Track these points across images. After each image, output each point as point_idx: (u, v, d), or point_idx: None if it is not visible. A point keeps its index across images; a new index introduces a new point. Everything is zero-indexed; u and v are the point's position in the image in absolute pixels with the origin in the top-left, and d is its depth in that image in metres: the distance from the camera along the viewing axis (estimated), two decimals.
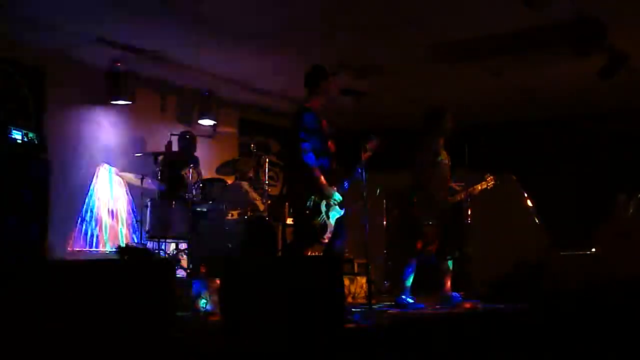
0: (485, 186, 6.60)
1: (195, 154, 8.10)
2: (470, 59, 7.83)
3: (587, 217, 8.18)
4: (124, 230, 8.03)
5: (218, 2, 6.37)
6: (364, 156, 5.56)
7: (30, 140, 4.25)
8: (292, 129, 5.45)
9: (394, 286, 8.21)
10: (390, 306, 6.32)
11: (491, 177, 6.62)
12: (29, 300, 3.05)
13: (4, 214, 3.84)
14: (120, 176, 7.79)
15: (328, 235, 5.41)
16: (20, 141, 4.08)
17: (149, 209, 7.18)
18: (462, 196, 6.58)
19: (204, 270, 6.85)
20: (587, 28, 6.54)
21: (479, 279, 7.44)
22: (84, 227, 7.66)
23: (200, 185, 7.33)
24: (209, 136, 8.26)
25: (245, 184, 7.75)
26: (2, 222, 3.98)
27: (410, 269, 6.41)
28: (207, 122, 8.92)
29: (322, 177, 5.31)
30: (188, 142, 8.13)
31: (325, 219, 5.38)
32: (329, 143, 5.53)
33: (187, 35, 7.19)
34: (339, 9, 6.50)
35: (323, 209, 5.36)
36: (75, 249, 7.48)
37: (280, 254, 7.79)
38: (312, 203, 5.33)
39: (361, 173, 5.50)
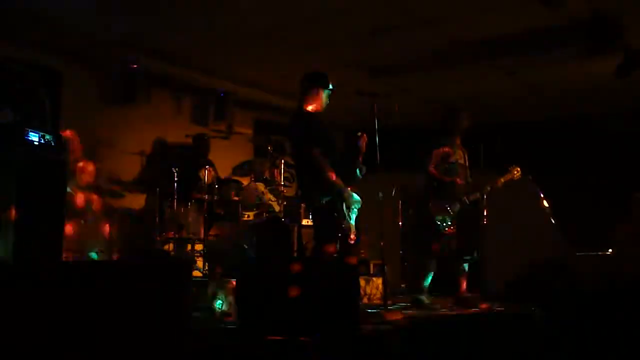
0: (510, 178, 6.47)
1: (211, 155, 8.11)
2: (486, 58, 7.80)
3: (603, 217, 8.10)
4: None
5: (232, 2, 6.39)
6: (360, 157, 5.50)
7: (47, 142, 4.26)
8: (299, 134, 5.42)
9: (410, 287, 8.19)
10: (406, 307, 6.29)
11: (517, 168, 6.51)
12: (46, 300, 3.07)
13: (23, 219, 3.86)
14: None
15: (352, 236, 5.33)
16: (37, 143, 4.09)
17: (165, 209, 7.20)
18: (488, 189, 6.45)
19: (219, 271, 6.86)
20: (603, 26, 6.49)
21: (495, 280, 7.40)
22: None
23: (216, 186, 7.35)
24: (225, 137, 8.27)
25: (261, 185, 7.75)
26: (21, 229, 3.99)
27: (427, 270, 6.39)
28: (222, 123, 8.93)
29: (339, 179, 5.26)
30: (203, 143, 8.15)
31: (348, 219, 5.31)
32: (332, 145, 5.47)
33: (203, 36, 7.21)
34: (354, 10, 6.49)
35: (344, 209, 5.29)
36: None
37: (296, 255, 7.78)
38: (333, 204, 5.27)
39: (360, 173, 5.45)
